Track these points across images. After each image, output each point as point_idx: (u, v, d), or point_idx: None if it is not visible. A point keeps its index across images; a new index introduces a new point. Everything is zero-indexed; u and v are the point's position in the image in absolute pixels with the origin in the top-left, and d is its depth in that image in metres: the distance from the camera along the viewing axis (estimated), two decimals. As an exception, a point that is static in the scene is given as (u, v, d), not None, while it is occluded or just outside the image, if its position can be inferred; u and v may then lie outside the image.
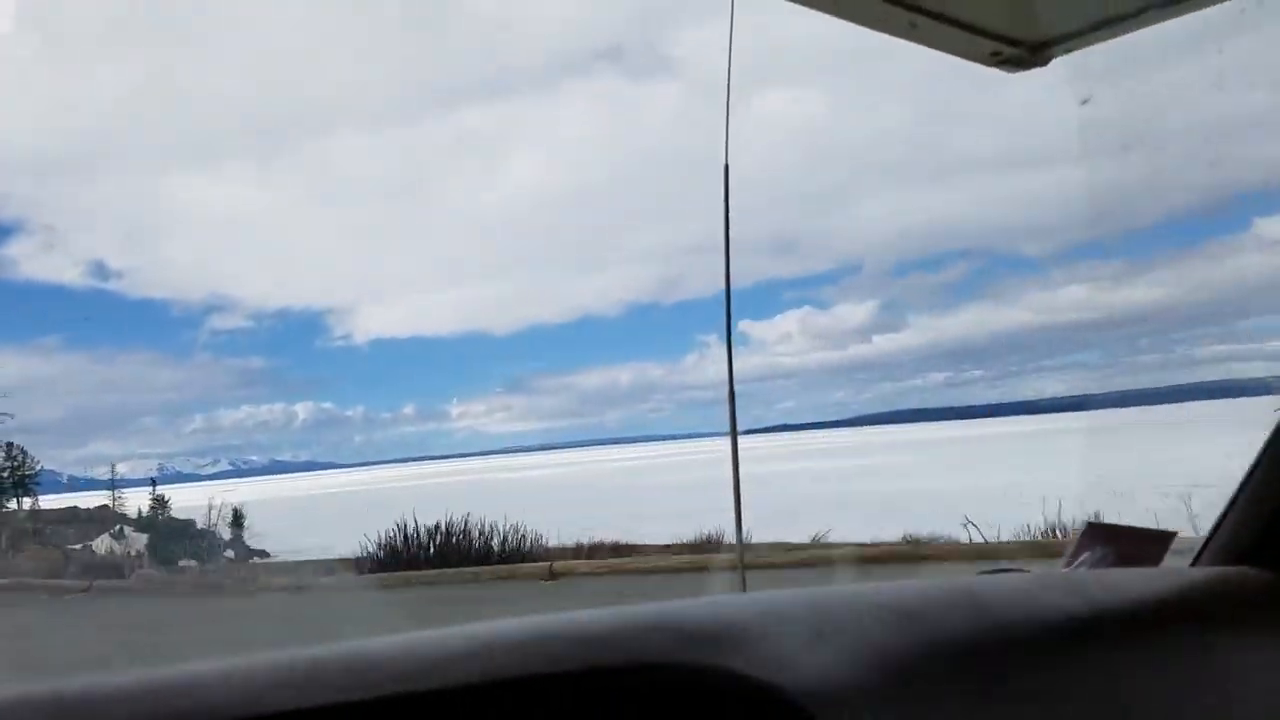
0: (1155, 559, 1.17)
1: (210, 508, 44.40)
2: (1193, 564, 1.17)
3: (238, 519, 45.52)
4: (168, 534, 39.68)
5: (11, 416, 32.70)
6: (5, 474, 47.37)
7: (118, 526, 41.37)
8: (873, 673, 0.71)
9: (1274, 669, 0.93)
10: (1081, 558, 1.21)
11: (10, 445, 47.95)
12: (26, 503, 46.49)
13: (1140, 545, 1.18)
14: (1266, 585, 1.06)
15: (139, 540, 38.18)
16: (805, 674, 0.67)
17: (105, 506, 46.02)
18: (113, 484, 54.38)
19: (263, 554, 41.61)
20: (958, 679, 0.75)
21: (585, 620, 0.68)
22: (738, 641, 0.68)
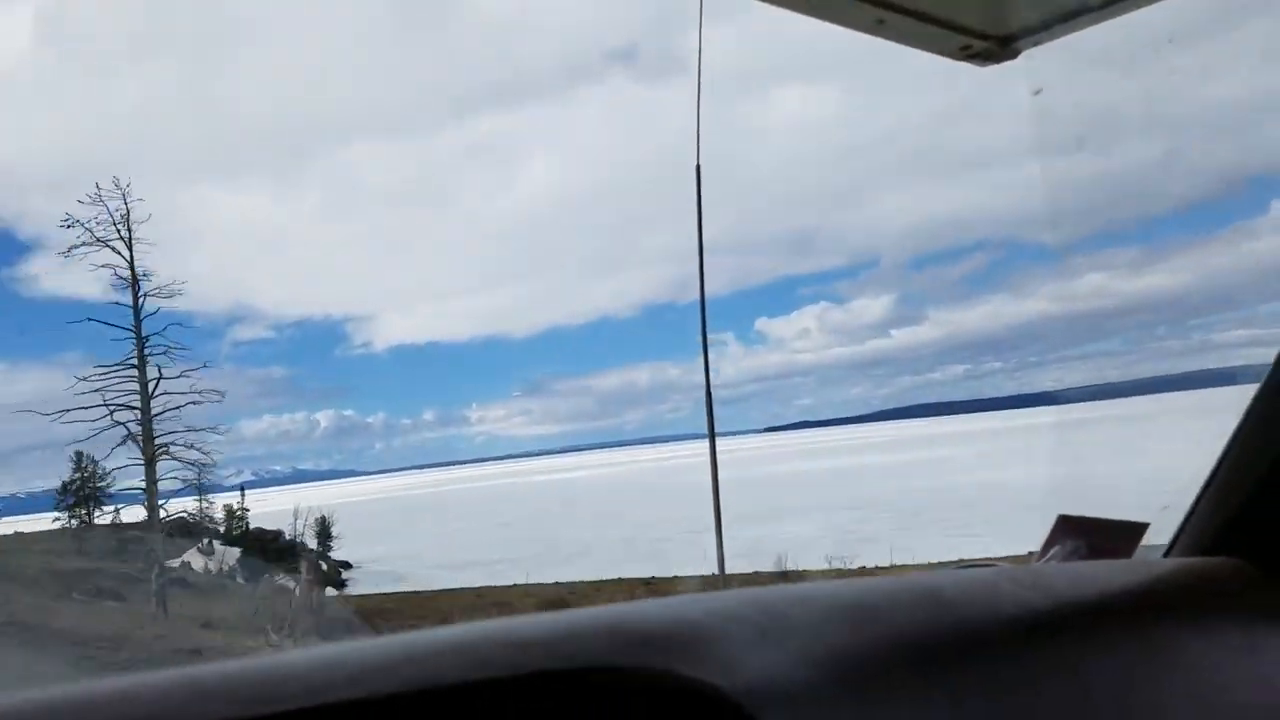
0: (1127, 551, 1.16)
1: (295, 517, 41.03)
2: (1164, 555, 1.16)
3: (325, 529, 42.89)
4: (257, 547, 38.53)
5: (221, 394, 25.30)
6: (77, 485, 41.84)
7: (205, 540, 41.10)
8: (823, 672, 0.69)
9: (1246, 659, 0.92)
10: (1052, 551, 1.20)
11: (80, 455, 40.94)
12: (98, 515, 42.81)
13: (1112, 537, 1.17)
14: (1238, 575, 1.05)
15: (230, 555, 36.96)
16: (749, 675, 0.66)
17: (183, 517, 45.91)
18: (200, 490, 50.46)
19: (345, 565, 40.55)
20: (915, 676, 0.74)
21: (525, 625, 0.66)
22: (681, 643, 0.67)
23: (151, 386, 26.63)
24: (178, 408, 26.60)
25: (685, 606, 0.74)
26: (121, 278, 25.94)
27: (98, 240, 25.82)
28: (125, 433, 25.75)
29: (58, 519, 41.71)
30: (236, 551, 37.28)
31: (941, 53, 1.33)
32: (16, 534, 41.99)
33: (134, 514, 48.95)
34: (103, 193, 25.91)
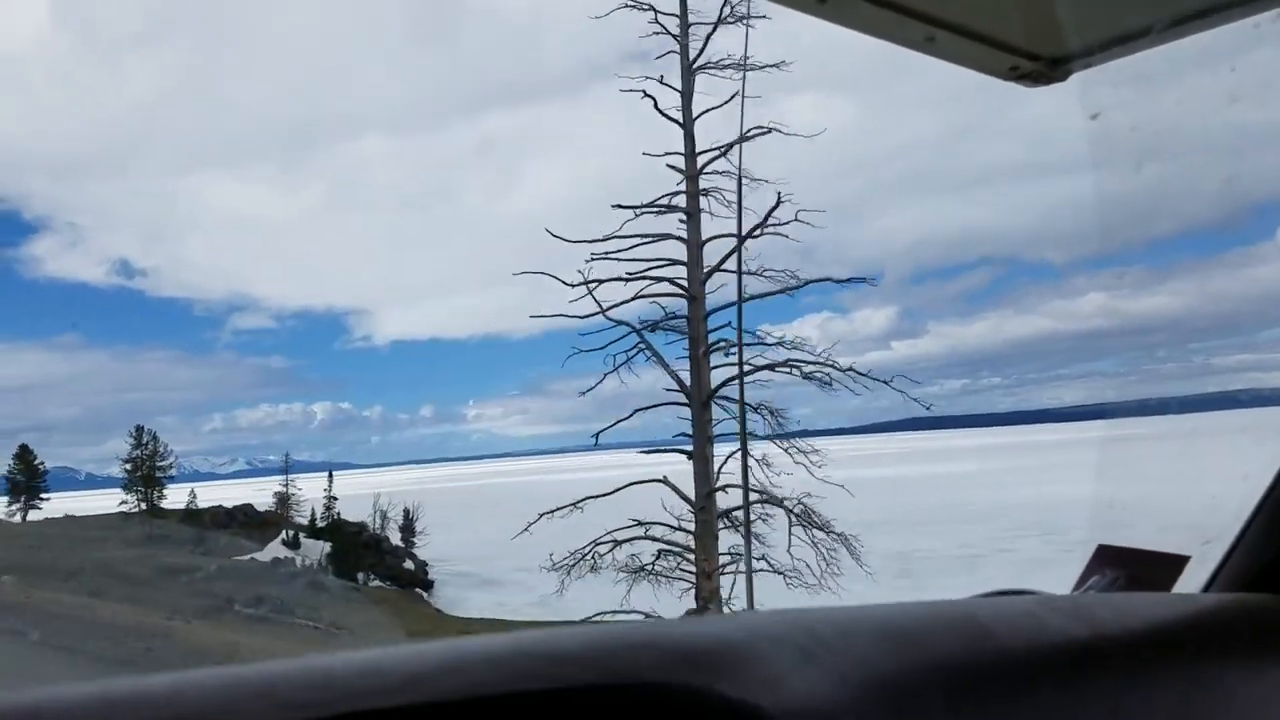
0: (1167, 584, 1.13)
1: (376, 509, 37.57)
2: (1204, 589, 1.13)
3: (409, 524, 38.92)
4: (339, 540, 34.10)
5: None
6: (142, 464, 40.36)
7: (289, 532, 36.91)
8: (863, 695, 0.68)
9: None
10: (1090, 581, 1.17)
11: (140, 429, 41.50)
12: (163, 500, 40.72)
13: (1151, 569, 1.14)
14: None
15: (316, 549, 33.21)
16: (791, 696, 0.65)
17: (250, 505, 41.28)
18: (286, 471, 44.76)
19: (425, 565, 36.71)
20: (954, 704, 0.72)
21: (566, 638, 0.65)
22: (723, 662, 0.66)
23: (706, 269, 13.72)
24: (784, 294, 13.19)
25: (727, 625, 0.73)
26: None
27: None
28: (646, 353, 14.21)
29: (124, 502, 39.94)
30: (324, 546, 33.56)
31: (990, 72, 1.31)
32: (67, 518, 39.77)
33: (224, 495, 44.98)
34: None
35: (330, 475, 42.84)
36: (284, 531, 36.59)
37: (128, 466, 41.11)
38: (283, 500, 43.65)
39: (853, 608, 0.82)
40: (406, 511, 38.85)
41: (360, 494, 41.97)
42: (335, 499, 40.61)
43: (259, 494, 44.95)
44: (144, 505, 40.31)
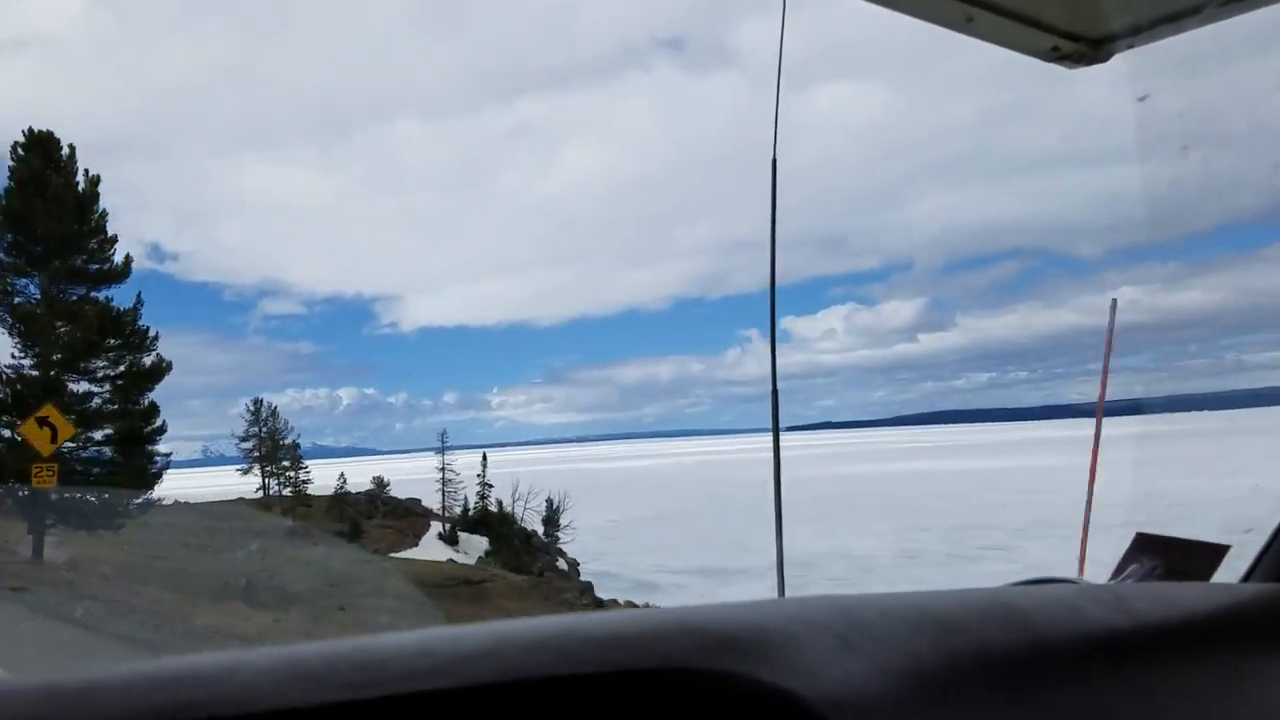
0: (1206, 573, 1.11)
1: (516, 497, 34.72)
2: (1244, 580, 1.10)
3: (553, 514, 35.10)
4: (503, 536, 31.58)
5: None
6: (265, 443, 36.96)
7: (445, 525, 34.85)
8: (902, 683, 0.67)
9: None
10: (1129, 570, 1.15)
11: (259, 402, 38.84)
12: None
13: (1190, 558, 1.12)
14: None
15: (475, 545, 31.29)
16: (830, 683, 0.64)
17: (374, 493, 38.09)
18: (443, 447, 38.46)
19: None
20: (993, 691, 0.71)
21: (607, 621, 0.64)
22: (762, 648, 0.65)
23: None
24: None
25: (767, 610, 0.71)
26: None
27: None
28: None
29: (260, 489, 36.14)
30: (483, 541, 31.52)
31: (1031, 53, 1.27)
32: (179, 504, 32.04)
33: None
34: None
35: (484, 457, 38.01)
36: (441, 525, 33.62)
37: (246, 445, 37.14)
38: (380, 484, 39.63)
39: (892, 594, 0.80)
40: (549, 501, 34.66)
41: (410, 479, 38.21)
42: (491, 486, 36.08)
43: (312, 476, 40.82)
44: (289, 490, 36.74)
